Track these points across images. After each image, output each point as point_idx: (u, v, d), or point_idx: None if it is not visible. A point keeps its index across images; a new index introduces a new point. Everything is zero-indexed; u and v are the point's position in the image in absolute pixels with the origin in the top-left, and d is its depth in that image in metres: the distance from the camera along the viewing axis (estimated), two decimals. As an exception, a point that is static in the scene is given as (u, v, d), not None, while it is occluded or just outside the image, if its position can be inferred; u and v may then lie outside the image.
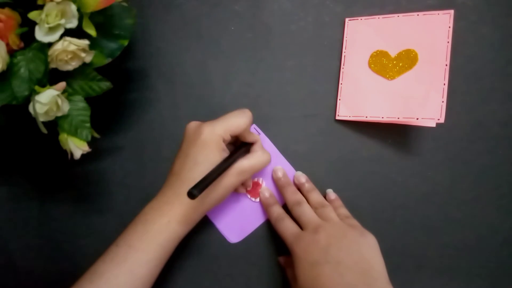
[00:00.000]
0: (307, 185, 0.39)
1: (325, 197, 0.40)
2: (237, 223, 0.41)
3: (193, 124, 0.36)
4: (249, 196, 0.41)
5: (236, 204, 0.41)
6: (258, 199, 0.40)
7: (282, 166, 0.41)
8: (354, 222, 0.36)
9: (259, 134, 0.41)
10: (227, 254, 0.41)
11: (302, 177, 0.40)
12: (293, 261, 0.34)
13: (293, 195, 0.38)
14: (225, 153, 0.34)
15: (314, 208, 0.37)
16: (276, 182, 0.40)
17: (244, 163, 0.34)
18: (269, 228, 0.41)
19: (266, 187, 0.41)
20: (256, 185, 0.41)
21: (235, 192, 0.40)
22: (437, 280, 0.39)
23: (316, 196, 0.38)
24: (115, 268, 0.31)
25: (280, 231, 0.37)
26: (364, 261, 0.31)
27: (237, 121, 0.34)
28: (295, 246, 0.34)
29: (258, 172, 0.37)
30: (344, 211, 0.38)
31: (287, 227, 0.36)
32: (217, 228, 0.41)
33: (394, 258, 0.39)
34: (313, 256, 0.32)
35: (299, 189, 0.40)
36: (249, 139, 0.37)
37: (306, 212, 0.36)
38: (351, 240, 0.33)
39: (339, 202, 0.39)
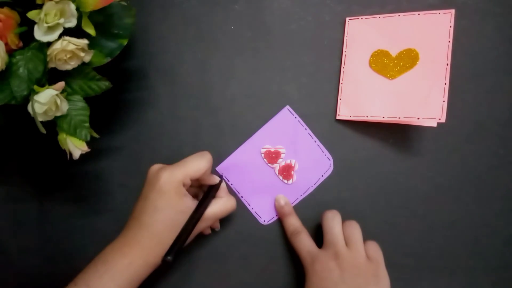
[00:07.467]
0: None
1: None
2: (270, 204, 0.41)
3: (154, 168, 0.36)
4: (281, 178, 0.40)
5: (268, 188, 0.41)
6: (290, 181, 0.40)
7: (315, 153, 0.40)
8: (375, 253, 0.35)
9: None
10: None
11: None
12: (306, 279, 0.35)
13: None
14: (187, 198, 0.34)
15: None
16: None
17: (208, 211, 0.35)
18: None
19: (282, 195, 0.40)
20: (289, 167, 0.40)
21: (265, 178, 0.40)
22: (437, 280, 0.39)
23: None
24: None
25: (296, 247, 0.37)
26: None
27: (196, 165, 0.35)
28: (310, 268, 0.35)
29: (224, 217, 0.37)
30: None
31: (304, 244, 0.37)
32: (249, 209, 0.41)
33: (394, 258, 0.39)
34: (323, 284, 0.33)
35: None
36: (209, 181, 0.37)
37: (335, 228, 0.36)
38: (362, 281, 0.33)
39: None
